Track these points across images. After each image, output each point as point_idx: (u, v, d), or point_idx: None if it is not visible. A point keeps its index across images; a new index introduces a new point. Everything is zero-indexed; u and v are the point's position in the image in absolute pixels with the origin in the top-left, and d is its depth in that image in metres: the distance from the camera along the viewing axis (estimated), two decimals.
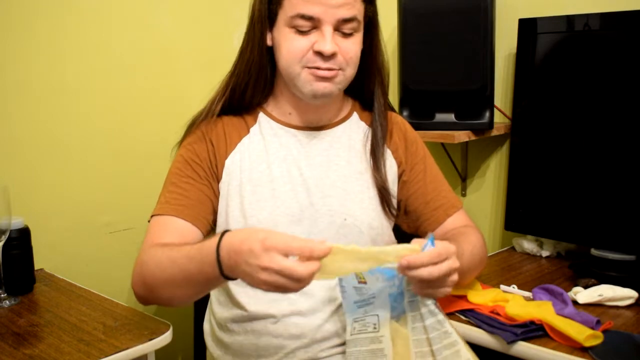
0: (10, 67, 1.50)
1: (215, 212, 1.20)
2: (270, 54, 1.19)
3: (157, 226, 1.14)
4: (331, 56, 1.11)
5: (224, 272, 0.92)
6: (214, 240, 0.94)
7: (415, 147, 1.28)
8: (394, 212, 1.24)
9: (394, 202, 1.25)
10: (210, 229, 1.21)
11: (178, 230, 1.13)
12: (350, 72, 1.16)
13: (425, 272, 0.90)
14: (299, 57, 1.12)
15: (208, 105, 1.23)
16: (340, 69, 1.14)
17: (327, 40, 1.10)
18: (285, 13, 1.12)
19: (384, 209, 1.22)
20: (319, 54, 1.11)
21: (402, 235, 1.28)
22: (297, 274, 0.84)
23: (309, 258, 0.85)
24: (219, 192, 1.20)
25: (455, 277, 0.95)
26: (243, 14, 1.23)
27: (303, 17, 1.10)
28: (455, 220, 1.25)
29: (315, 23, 1.11)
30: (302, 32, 1.12)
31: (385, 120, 1.26)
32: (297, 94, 1.18)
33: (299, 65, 1.13)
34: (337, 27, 1.12)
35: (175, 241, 1.10)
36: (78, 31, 1.61)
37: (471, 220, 1.28)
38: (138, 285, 1.09)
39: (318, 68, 1.12)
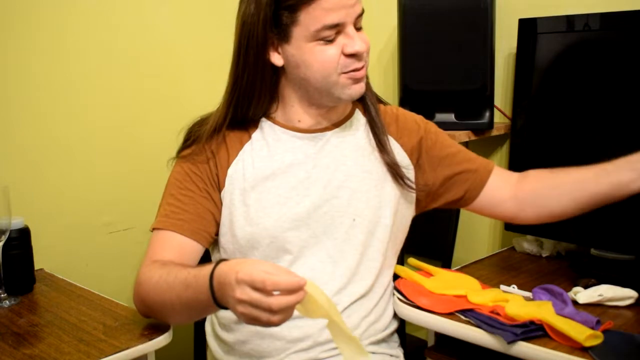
0: (10, 67, 1.50)
1: (217, 224, 1.19)
2: (274, 71, 1.16)
3: (157, 242, 1.15)
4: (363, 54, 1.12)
5: (217, 301, 0.93)
6: (208, 270, 0.94)
7: (427, 127, 1.28)
8: (411, 184, 1.23)
9: (410, 174, 1.24)
10: (212, 241, 1.21)
11: (177, 246, 1.14)
12: (368, 62, 1.17)
13: None
14: (334, 66, 1.11)
15: (212, 126, 1.19)
16: (366, 63, 1.15)
17: (356, 40, 1.10)
18: (305, 29, 1.09)
19: (399, 184, 1.22)
20: (352, 56, 1.11)
21: (422, 223, 1.31)
22: (265, 305, 0.84)
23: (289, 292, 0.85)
24: (220, 202, 1.19)
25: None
26: None
27: (329, 27, 1.09)
28: (501, 173, 1.27)
29: (339, 28, 1.10)
30: (329, 41, 1.10)
31: (374, 100, 1.25)
32: (322, 100, 1.17)
33: (336, 74, 1.12)
34: (355, 24, 1.12)
35: (174, 257, 1.12)
36: (78, 31, 1.61)
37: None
38: (138, 303, 1.12)
39: (355, 70, 1.12)
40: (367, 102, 1.24)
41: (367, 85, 1.23)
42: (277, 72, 1.17)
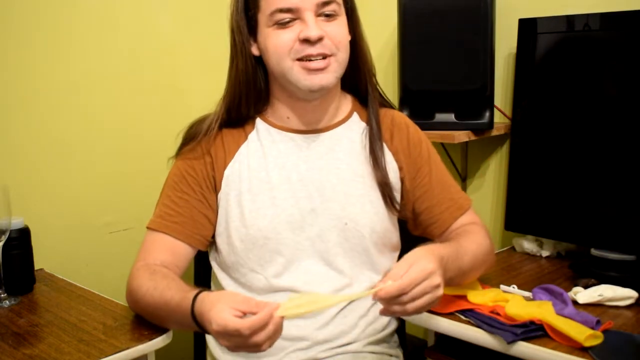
0: (10, 67, 1.50)
1: (213, 226, 1.20)
2: (259, 64, 1.18)
3: (151, 242, 1.18)
4: (318, 41, 1.10)
5: (206, 331, 0.99)
6: (188, 304, 0.99)
7: (419, 149, 1.26)
8: (398, 206, 1.23)
9: (397, 196, 1.23)
10: (206, 244, 1.22)
11: (169, 249, 1.17)
12: (343, 56, 1.15)
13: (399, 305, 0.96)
14: (287, 50, 1.11)
15: (207, 125, 1.20)
16: (332, 55, 1.12)
17: (311, 26, 1.10)
18: (264, 13, 1.12)
19: (387, 204, 1.21)
20: (306, 41, 1.10)
21: (410, 239, 1.28)
22: (248, 344, 0.90)
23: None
24: (216, 205, 1.20)
25: (437, 293, 0.97)
26: None
27: (281, 10, 1.10)
28: (462, 221, 1.24)
29: (295, 14, 1.10)
30: (284, 26, 1.11)
31: (377, 113, 1.24)
32: (294, 92, 1.16)
33: (289, 59, 1.11)
34: (318, 12, 1.11)
35: (166, 258, 1.15)
36: (78, 31, 1.61)
37: (479, 218, 1.27)
38: (130, 304, 1.16)
39: (309, 58, 1.11)
40: (370, 112, 1.23)
41: (374, 95, 1.24)
42: (264, 68, 1.18)
